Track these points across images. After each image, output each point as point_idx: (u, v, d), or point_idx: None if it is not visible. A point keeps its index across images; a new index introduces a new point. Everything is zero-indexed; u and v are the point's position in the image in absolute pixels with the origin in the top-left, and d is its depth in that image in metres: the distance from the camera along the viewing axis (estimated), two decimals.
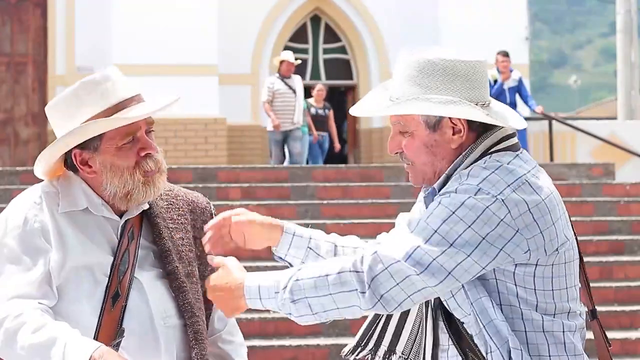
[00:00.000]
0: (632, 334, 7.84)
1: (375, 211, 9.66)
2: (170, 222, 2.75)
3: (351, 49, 17.45)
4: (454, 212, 2.24)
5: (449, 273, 2.23)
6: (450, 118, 2.34)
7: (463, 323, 2.32)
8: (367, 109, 2.48)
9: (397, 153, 2.45)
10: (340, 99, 17.55)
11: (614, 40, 18.59)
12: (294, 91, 13.36)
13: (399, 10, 16.71)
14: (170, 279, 2.67)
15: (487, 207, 2.24)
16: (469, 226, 2.23)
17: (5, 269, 2.55)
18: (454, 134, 2.36)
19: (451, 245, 2.23)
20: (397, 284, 2.24)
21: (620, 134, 14.81)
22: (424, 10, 16.45)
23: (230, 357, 2.84)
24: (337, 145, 14.79)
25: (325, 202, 9.83)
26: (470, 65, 2.38)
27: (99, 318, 2.55)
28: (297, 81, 13.53)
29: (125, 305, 2.57)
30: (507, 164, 2.31)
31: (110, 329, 2.54)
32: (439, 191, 2.38)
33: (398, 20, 16.72)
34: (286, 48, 17.33)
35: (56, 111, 2.65)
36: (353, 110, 2.50)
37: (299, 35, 17.55)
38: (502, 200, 2.25)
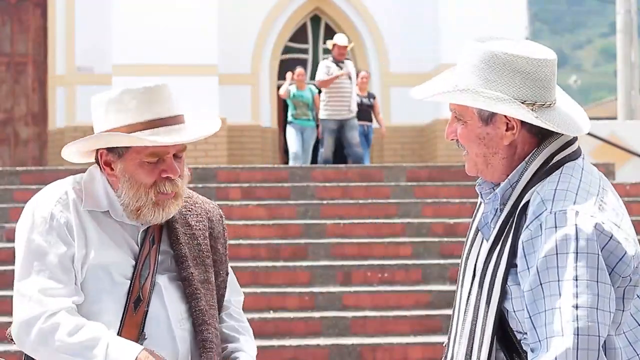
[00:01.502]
0: None
1: (375, 211, 9.66)
2: (188, 228, 2.75)
3: (351, 49, 17.44)
4: (577, 270, 2.19)
5: (607, 344, 2.22)
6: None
7: (515, 331, 2.31)
8: (423, 92, 2.44)
9: (453, 140, 2.43)
10: None
11: (614, 40, 18.58)
12: (349, 77, 12.85)
13: (399, 10, 16.70)
14: (185, 285, 2.66)
15: (593, 239, 2.22)
16: (597, 281, 2.20)
17: (33, 264, 2.54)
18: (507, 130, 2.34)
19: (597, 308, 2.19)
20: None
21: (620, 134, 14.80)
22: (424, 10, 16.45)
23: (241, 332, 2.83)
24: (384, 131, 14.34)
25: (325, 202, 9.82)
26: (534, 63, 2.33)
27: (121, 322, 2.55)
28: (350, 66, 13.01)
29: (147, 311, 2.57)
30: (581, 180, 2.30)
31: (131, 334, 2.54)
32: (502, 199, 2.36)
33: (398, 20, 16.71)
34: (286, 48, 17.33)
35: (99, 107, 2.65)
36: (414, 92, 2.45)
37: (299, 35, 17.54)
38: (596, 233, 2.23)
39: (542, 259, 2.21)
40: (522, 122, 2.33)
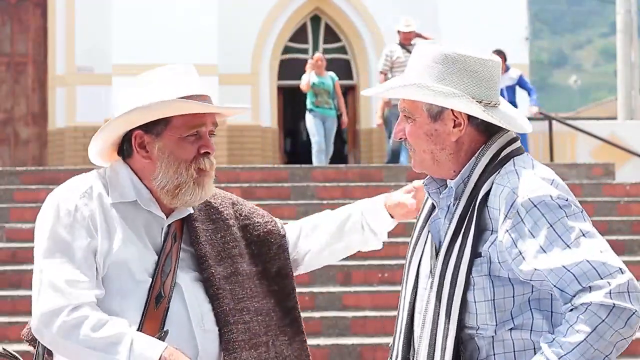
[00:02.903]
0: None
1: None
2: (209, 223, 2.73)
3: (351, 49, 17.45)
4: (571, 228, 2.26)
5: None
6: (452, 111, 2.39)
7: (467, 326, 2.34)
8: (374, 89, 2.53)
9: (401, 139, 2.49)
10: None
11: (614, 40, 18.58)
12: None
13: (399, 11, 16.69)
14: (207, 286, 2.64)
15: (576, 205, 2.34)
16: (583, 220, 2.30)
17: (56, 257, 2.52)
18: (454, 127, 2.40)
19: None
20: None
21: (620, 134, 14.80)
22: (424, 10, 16.44)
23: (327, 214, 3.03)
24: None
25: (325, 202, 9.82)
26: (482, 63, 2.41)
27: (142, 318, 2.53)
28: None
29: (168, 308, 2.55)
30: (534, 168, 2.37)
31: (152, 330, 2.52)
32: (455, 194, 2.41)
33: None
34: (286, 48, 17.33)
35: (134, 85, 2.63)
36: (365, 91, 2.56)
37: (299, 35, 17.55)
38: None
39: (543, 237, 2.26)
40: (469, 119, 2.40)
